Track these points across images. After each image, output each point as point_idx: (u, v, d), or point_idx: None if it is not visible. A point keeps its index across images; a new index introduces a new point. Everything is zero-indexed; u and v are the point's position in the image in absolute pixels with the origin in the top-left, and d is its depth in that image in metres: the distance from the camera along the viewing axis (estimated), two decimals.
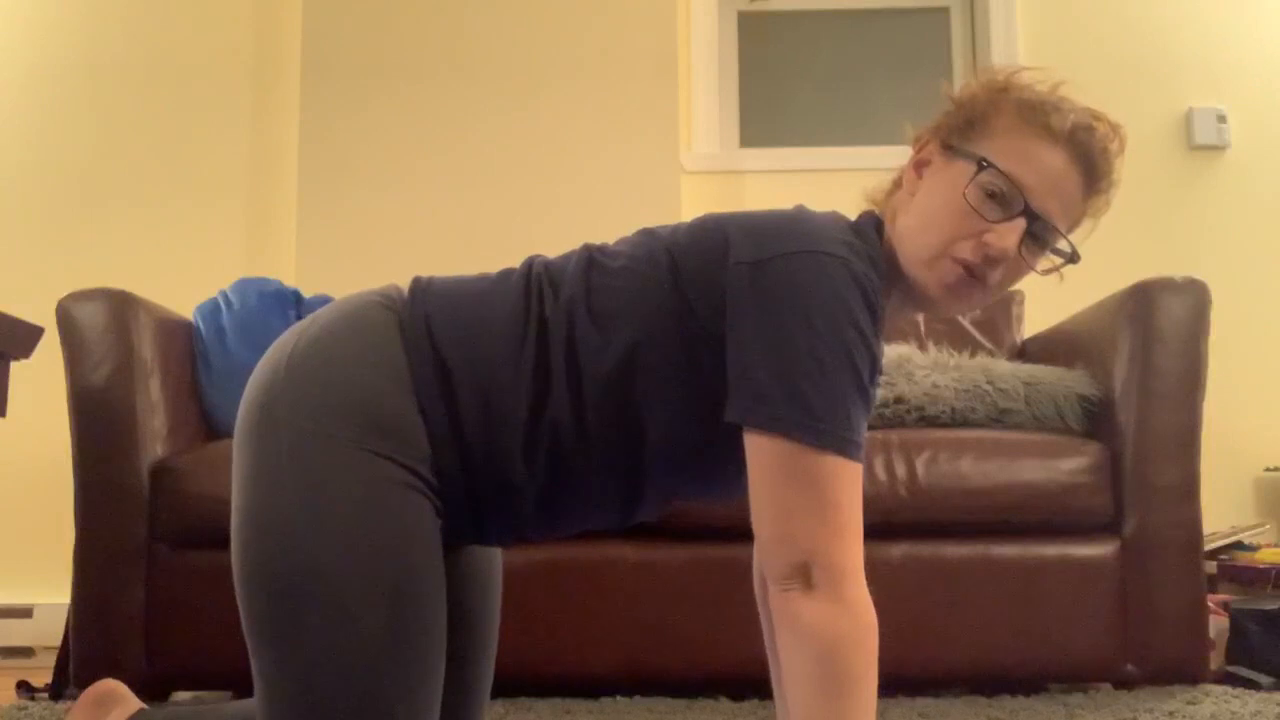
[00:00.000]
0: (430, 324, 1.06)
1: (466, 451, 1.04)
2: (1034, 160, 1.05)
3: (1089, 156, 1.06)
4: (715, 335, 1.02)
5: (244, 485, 1.04)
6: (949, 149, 1.09)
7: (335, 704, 0.97)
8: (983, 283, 1.07)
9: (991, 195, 1.04)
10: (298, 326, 1.10)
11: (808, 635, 0.94)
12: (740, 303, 1.00)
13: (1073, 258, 1.10)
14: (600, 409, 1.04)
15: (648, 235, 1.10)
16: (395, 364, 1.05)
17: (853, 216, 1.15)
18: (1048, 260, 1.10)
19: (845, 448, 0.96)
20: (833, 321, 0.97)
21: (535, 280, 1.09)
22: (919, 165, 1.11)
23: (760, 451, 0.97)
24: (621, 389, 1.03)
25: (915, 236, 1.08)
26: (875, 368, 1.02)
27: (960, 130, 1.09)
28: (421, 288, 1.11)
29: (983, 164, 1.04)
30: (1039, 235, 1.06)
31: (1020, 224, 1.05)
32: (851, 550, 0.96)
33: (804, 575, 0.95)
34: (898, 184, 1.15)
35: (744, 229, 1.04)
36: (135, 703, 1.28)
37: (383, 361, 1.05)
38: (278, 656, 0.99)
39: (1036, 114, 1.05)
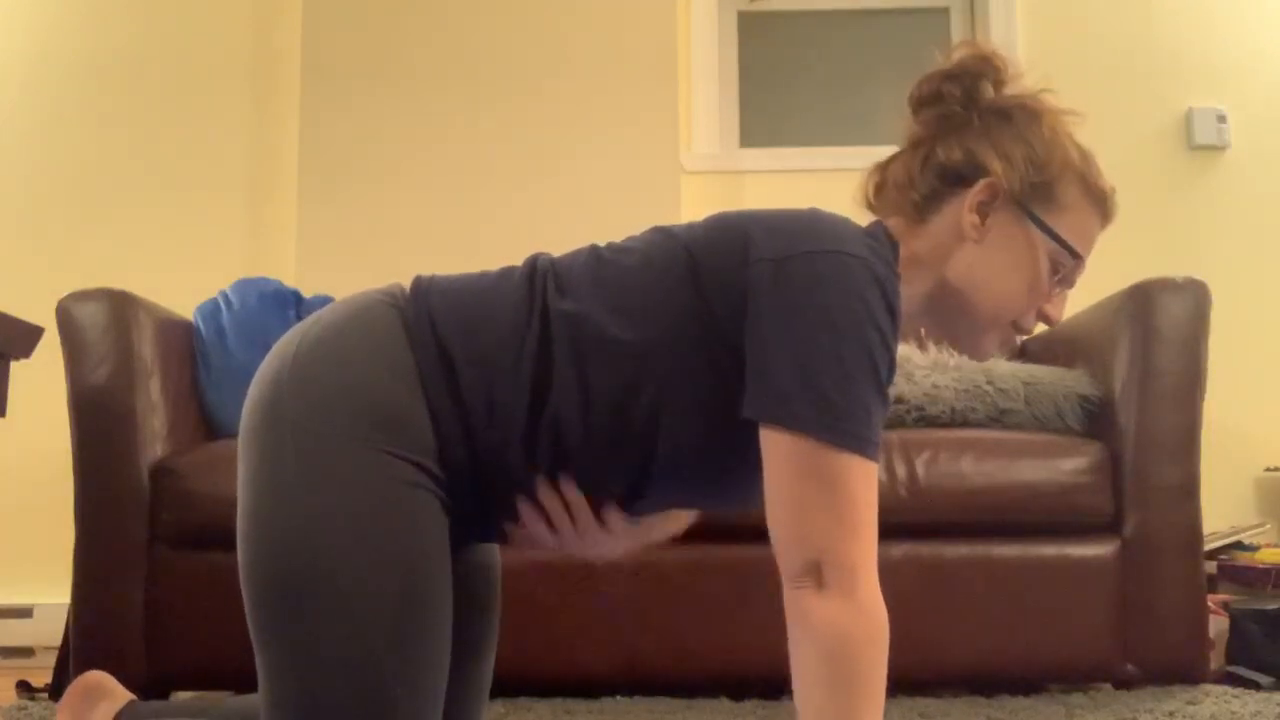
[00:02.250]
0: (434, 320, 1.06)
1: (472, 446, 1.04)
2: (1090, 236, 1.15)
3: (1110, 219, 1.17)
4: (733, 333, 1.01)
5: (250, 484, 1.04)
6: (1027, 213, 1.11)
7: (340, 703, 0.97)
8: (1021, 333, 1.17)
9: (1066, 280, 1.14)
10: (301, 325, 1.10)
11: (818, 633, 0.94)
12: (762, 300, 0.99)
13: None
14: (608, 406, 1.03)
15: (663, 234, 1.10)
16: (401, 361, 1.05)
17: (856, 216, 1.15)
18: None
19: (864, 447, 0.96)
20: (855, 321, 0.97)
21: (540, 276, 1.08)
22: (982, 207, 1.11)
23: (779, 449, 0.97)
24: (631, 385, 1.03)
25: (992, 296, 1.12)
26: (892, 368, 1.02)
27: (1033, 194, 1.11)
28: (424, 285, 1.11)
29: (1074, 254, 1.12)
30: None
31: (1068, 291, 1.16)
32: (865, 549, 0.96)
33: (816, 573, 0.94)
34: (922, 197, 1.13)
35: (766, 227, 1.03)
36: (124, 694, 1.28)
37: (388, 358, 1.05)
38: (283, 655, 0.99)
39: (1101, 200, 1.14)
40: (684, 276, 1.04)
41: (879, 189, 1.19)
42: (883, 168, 1.19)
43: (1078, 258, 1.12)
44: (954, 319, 1.14)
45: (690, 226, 1.09)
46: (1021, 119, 1.12)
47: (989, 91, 1.14)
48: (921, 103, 1.16)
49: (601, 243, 1.13)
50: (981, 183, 1.10)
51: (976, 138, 1.12)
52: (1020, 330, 1.14)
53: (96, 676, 1.30)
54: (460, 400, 1.04)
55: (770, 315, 0.99)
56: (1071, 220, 1.12)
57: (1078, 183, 1.12)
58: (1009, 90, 1.14)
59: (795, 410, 0.96)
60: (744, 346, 1.00)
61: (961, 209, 1.11)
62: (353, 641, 0.97)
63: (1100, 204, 1.14)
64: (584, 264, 1.08)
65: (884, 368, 0.99)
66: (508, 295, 1.07)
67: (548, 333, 1.04)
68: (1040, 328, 1.17)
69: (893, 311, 1.00)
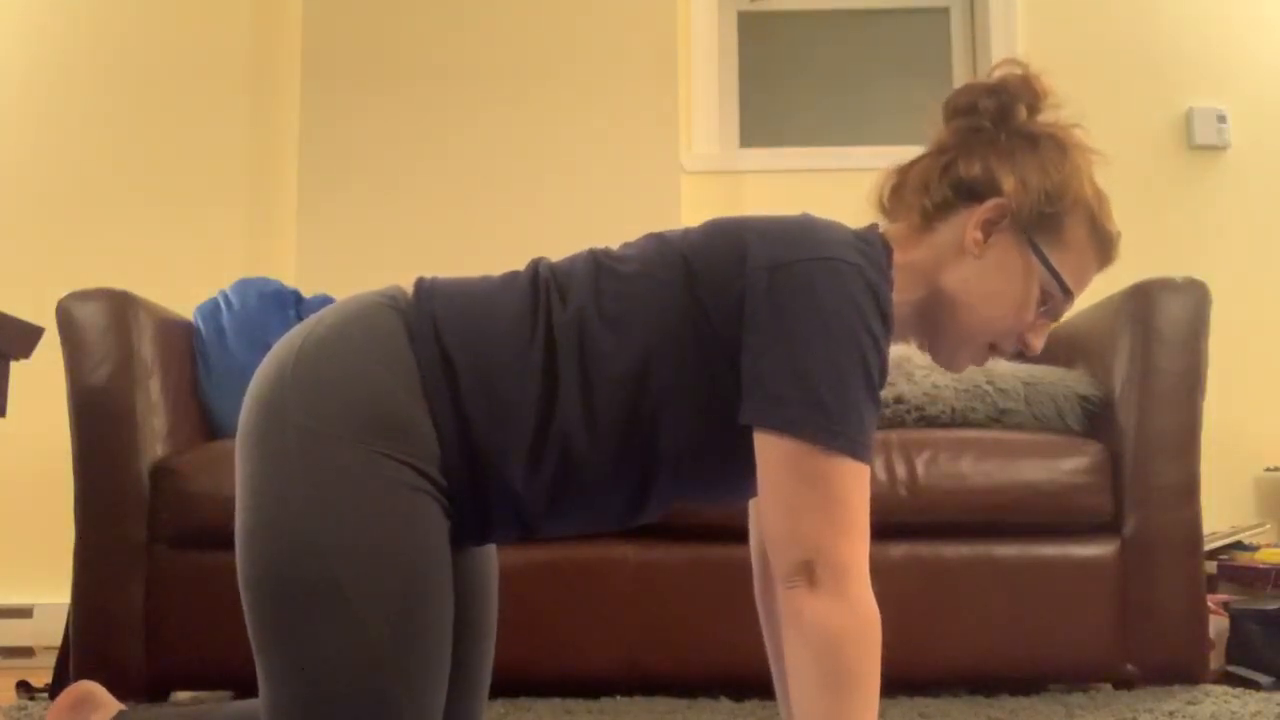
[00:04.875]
0: (437, 325, 1.06)
1: (473, 453, 1.04)
2: (1086, 277, 1.17)
3: (1109, 263, 1.19)
4: (729, 339, 1.02)
5: (250, 485, 1.04)
6: (1026, 237, 1.12)
7: (342, 706, 0.97)
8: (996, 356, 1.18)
9: (1053, 312, 1.15)
10: (302, 326, 1.10)
11: (810, 632, 0.95)
12: (757, 307, 1.00)
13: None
14: (610, 413, 1.04)
15: (658, 240, 1.10)
16: (404, 365, 1.05)
17: (856, 216, 1.16)
18: None
19: (857, 450, 0.97)
20: (849, 327, 0.98)
21: (543, 283, 1.08)
22: (987, 225, 1.12)
23: (773, 452, 0.98)
24: (633, 393, 1.04)
25: (978, 313, 1.14)
26: (884, 373, 1.03)
27: (1040, 223, 1.12)
28: (427, 288, 1.11)
29: (1066, 290, 1.14)
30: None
31: (1051, 322, 1.17)
32: (857, 549, 0.97)
33: (808, 573, 0.95)
34: (932, 206, 1.14)
35: (761, 235, 1.04)
36: (114, 704, 1.27)
37: (391, 362, 1.05)
38: (284, 658, 0.99)
39: (1105, 244, 1.16)
40: (681, 285, 1.05)
41: (896, 190, 1.19)
42: (904, 170, 1.19)
43: (1069, 295, 1.14)
44: (938, 329, 1.15)
45: (686, 233, 1.10)
46: (1047, 148, 1.13)
47: (1022, 114, 1.15)
48: (955, 111, 1.17)
49: (600, 247, 1.14)
50: (992, 201, 1.12)
51: (999, 157, 1.13)
52: (998, 352, 1.16)
53: (86, 687, 1.29)
54: (461, 409, 1.04)
55: (765, 321, 1.00)
56: (1072, 259, 1.13)
57: (1086, 222, 1.13)
58: (1043, 118, 1.15)
59: (788, 413, 0.97)
60: (740, 352, 1.01)
61: (968, 224, 1.12)
62: (354, 643, 0.97)
63: (1103, 248, 1.15)
64: (584, 272, 1.08)
65: (876, 372, 1.00)
66: (511, 305, 1.07)
67: (552, 345, 1.05)
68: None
69: (885, 317, 1.01)
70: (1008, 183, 1.11)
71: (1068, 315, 2.37)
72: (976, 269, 1.12)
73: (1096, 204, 1.14)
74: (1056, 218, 1.12)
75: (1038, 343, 1.15)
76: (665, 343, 1.04)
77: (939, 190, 1.14)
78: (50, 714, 1.27)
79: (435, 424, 1.04)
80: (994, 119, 1.14)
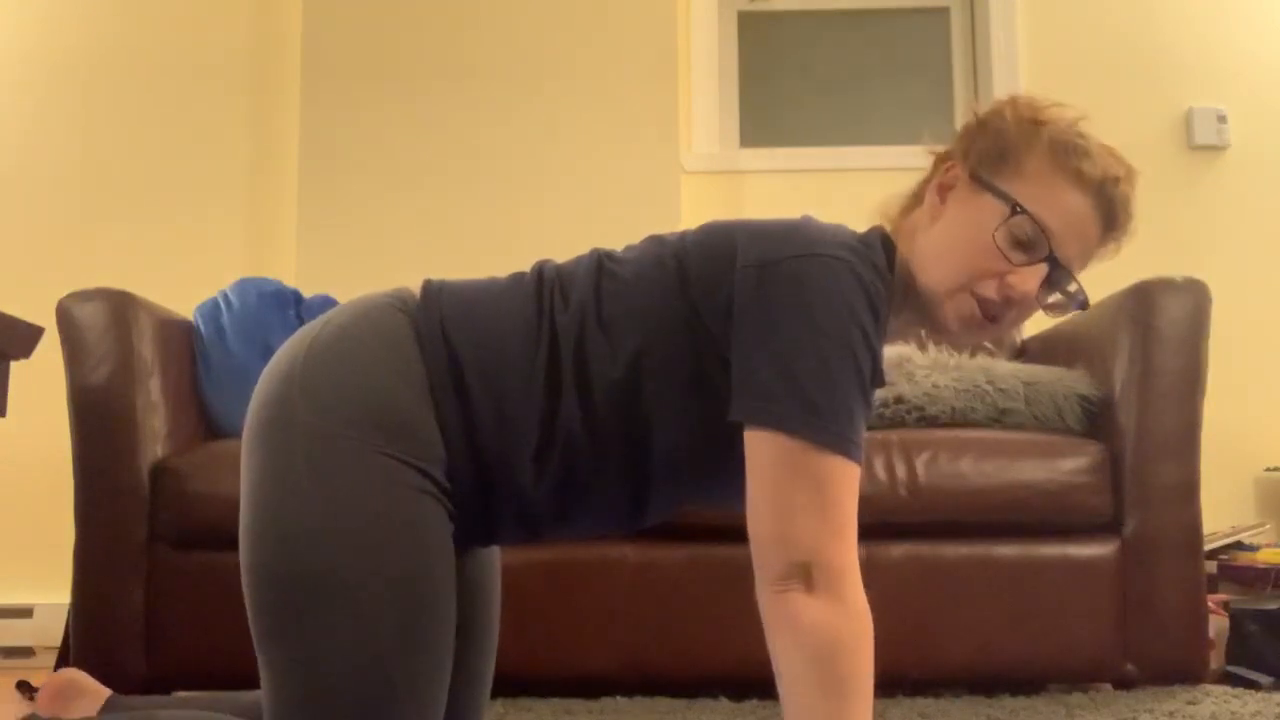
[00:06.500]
0: (445, 326, 1.07)
1: (480, 455, 1.05)
2: (1061, 206, 1.07)
3: (1112, 207, 1.09)
4: (722, 339, 1.02)
5: (257, 484, 1.04)
6: (977, 180, 1.09)
7: (345, 704, 0.97)
8: (997, 321, 1.09)
9: (1019, 241, 1.06)
10: (310, 326, 1.11)
11: (808, 636, 0.94)
12: (746, 304, 1.01)
13: (1083, 304, 1.12)
14: (609, 415, 1.04)
15: (656, 242, 1.11)
16: (412, 366, 1.05)
17: (855, 215, 1.16)
18: (1057, 300, 1.12)
19: (847, 448, 0.97)
20: (837, 322, 0.98)
21: (547, 286, 1.09)
22: (943, 189, 1.12)
23: (762, 450, 0.98)
24: (628, 393, 1.04)
25: (937, 265, 1.09)
26: (876, 369, 1.02)
27: (990, 162, 1.09)
28: (434, 290, 1.11)
29: (1016, 209, 1.06)
30: (1056, 280, 1.09)
31: (1042, 269, 1.07)
32: (849, 551, 0.97)
33: (804, 575, 0.95)
34: (916, 200, 1.15)
35: (751, 234, 1.05)
36: (101, 691, 1.27)
37: (399, 364, 1.05)
38: (288, 656, 1.00)
39: (1070, 158, 1.07)
40: (674, 286, 1.05)
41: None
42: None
43: (1020, 212, 1.05)
44: (916, 300, 1.12)
45: (683, 235, 1.11)
46: (992, 114, 1.12)
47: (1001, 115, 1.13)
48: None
49: (603, 248, 1.14)
50: (944, 166, 1.12)
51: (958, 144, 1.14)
52: (981, 300, 1.07)
53: (69, 674, 1.30)
54: (468, 410, 1.05)
55: (754, 320, 1.00)
56: (1032, 188, 1.07)
57: (1046, 149, 1.08)
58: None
59: (778, 410, 0.96)
60: (731, 351, 1.01)
61: (930, 196, 1.13)
62: (358, 642, 0.98)
63: (1074, 172, 1.07)
64: (585, 274, 1.09)
65: (866, 367, 0.99)
66: (518, 310, 1.08)
67: (555, 346, 1.05)
68: (1044, 325, 1.17)
69: (875, 312, 1.01)
70: (957, 149, 1.12)
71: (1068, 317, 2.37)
72: (937, 228, 1.11)
73: (1061, 138, 1.08)
74: (1008, 152, 1.08)
75: (1023, 285, 1.06)
76: (659, 344, 1.04)
77: (912, 193, 1.16)
78: (37, 701, 1.27)
79: (441, 425, 1.04)
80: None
